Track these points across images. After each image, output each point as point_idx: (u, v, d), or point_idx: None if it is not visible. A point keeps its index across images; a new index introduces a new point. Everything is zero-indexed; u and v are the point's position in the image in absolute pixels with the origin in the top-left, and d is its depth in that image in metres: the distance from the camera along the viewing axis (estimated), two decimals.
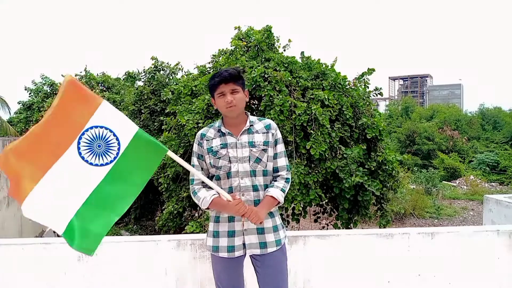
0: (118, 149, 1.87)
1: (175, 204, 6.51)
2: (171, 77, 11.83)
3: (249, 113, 2.21)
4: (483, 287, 3.10)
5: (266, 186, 2.12)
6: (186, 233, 5.44)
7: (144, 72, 12.05)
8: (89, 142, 1.83)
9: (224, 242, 2.08)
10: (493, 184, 22.93)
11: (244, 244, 2.08)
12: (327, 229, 7.26)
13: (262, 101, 6.21)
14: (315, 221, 7.26)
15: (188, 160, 2.15)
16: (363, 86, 7.11)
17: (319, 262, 3.03)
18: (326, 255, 3.04)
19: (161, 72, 11.88)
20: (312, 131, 5.86)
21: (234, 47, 7.73)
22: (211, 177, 2.16)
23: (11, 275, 2.93)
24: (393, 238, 3.08)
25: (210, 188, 2.09)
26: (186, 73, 10.20)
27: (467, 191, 18.88)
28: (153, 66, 11.81)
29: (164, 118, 8.74)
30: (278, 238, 2.12)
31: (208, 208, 2.09)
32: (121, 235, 10.72)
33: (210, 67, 7.98)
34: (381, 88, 7.39)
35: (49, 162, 1.78)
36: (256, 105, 6.81)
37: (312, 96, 6.24)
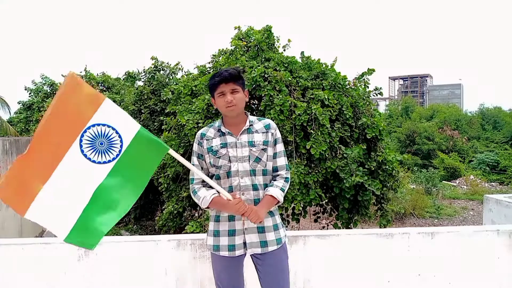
0: (121, 146, 1.87)
1: (175, 204, 6.51)
2: (171, 77, 11.83)
3: (248, 113, 2.22)
4: (483, 287, 3.10)
5: (265, 186, 2.13)
6: (186, 233, 5.45)
7: (144, 72, 12.05)
8: (91, 139, 1.83)
9: (224, 241, 2.08)
10: (493, 184, 22.92)
11: (244, 243, 2.08)
12: (327, 229, 7.25)
13: (262, 101, 6.21)
14: (315, 221, 7.26)
15: (188, 160, 2.15)
16: (363, 86, 7.11)
17: (319, 262, 3.03)
18: (326, 255, 3.04)
19: (161, 72, 11.89)
20: (312, 131, 5.86)
21: (234, 47, 7.73)
22: (211, 177, 2.16)
23: (11, 275, 2.93)
24: (393, 238, 3.09)
25: (210, 187, 2.10)
26: (186, 73, 10.20)
27: (467, 191, 18.87)
28: (153, 66, 11.81)
29: (164, 118, 8.74)
30: (279, 237, 2.12)
31: (208, 207, 2.10)
32: (121, 235, 10.72)
33: (210, 67, 7.98)
34: (381, 88, 7.39)
35: (53, 163, 1.78)
36: (256, 105, 6.81)
37: (312, 96, 6.24)
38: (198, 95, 6.95)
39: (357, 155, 5.89)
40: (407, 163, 22.57)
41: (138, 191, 1.94)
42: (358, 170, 5.85)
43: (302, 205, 5.77)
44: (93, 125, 1.83)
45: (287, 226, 6.12)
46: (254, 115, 2.31)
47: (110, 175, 1.86)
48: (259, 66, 6.45)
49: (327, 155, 5.87)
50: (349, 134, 6.35)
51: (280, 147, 2.18)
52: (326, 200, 6.81)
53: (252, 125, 2.14)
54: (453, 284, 3.08)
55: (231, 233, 2.08)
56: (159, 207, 11.84)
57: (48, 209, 1.78)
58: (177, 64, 12.31)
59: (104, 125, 1.84)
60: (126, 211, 1.90)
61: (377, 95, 7.48)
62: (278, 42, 7.72)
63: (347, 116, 6.21)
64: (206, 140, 2.14)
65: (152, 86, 11.16)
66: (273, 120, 3.61)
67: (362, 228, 8.11)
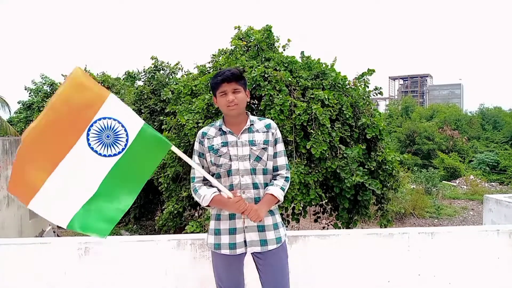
0: (127, 140, 1.89)
1: (175, 204, 6.51)
2: (171, 77, 11.83)
3: (249, 113, 2.23)
4: (483, 287, 3.10)
5: (266, 185, 2.14)
6: (186, 233, 5.45)
7: (144, 71, 12.05)
8: (98, 132, 1.84)
9: (225, 240, 2.09)
10: (493, 184, 22.94)
11: (245, 242, 2.09)
12: (327, 229, 7.26)
13: (262, 100, 6.21)
14: (315, 221, 7.26)
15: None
16: (363, 86, 7.11)
17: (319, 262, 3.03)
18: (326, 255, 3.04)
19: (161, 71, 11.89)
20: (312, 131, 5.86)
21: (234, 47, 7.73)
22: (211, 176, 2.16)
23: (11, 275, 2.93)
24: (393, 238, 3.09)
25: (211, 186, 2.12)
26: (186, 73, 10.20)
27: (467, 191, 18.89)
28: (153, 66, 11.82)
29: (164, 118, 8.75)
30: (279, 236, 2.13)
31: (208, 206, 2.11)
32: (121, 235, 10.72)
33: (210, 67, 7.98)
34: (381, 87, 7.39)
35: (59, 155, 1.79)
36: (256, 105, 6.81)
37: (312, 96, 6.24)
38: (198, 95, 6.95)
39: (356, 155, 5.89)
40: (407, 163, 22.58)
41: (139, 187, 1.96)
42: (359, 170, 5.85)
43: (302, 205, 5.78)
44: (100, 119, 1.84)
45: (287, 226, 6.12)
46: (254, 115, 2.32)
47: (114, 169, 1.87)
48: (259, 66, 6.45)
49: (327, 155, 5.87)
50: (349, 134, 6.35)
51: (281, 146, 2.19)
52: (326, 200, 6.82)
53: (252, 124, 2.16)
54: (453, 284, 3.08)
55: (232, 231, 2.09)
56: (159, 207, 11.84)
57: (52, 200, 1.79)
58: (177, 64, 12.31)
59: (110, 118, 1.86)
60: (128, 207, 1.92)
61: (377, 95, 7.48)
62: (278, 42, 7.72)
63: (347, 116, 6.21)
64: (207, 139, 2.15)
65: (152, 86, 11.17)
66: (273, 120, 3.62)
67: (362, 228, 8.11)
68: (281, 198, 2.10)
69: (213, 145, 2.12)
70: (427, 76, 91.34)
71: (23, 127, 16.31)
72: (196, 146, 2.20)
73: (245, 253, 2.14)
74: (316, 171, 5.96)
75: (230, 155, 2.09)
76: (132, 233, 11.61)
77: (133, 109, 10.05)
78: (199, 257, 2.94)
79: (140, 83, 12.90)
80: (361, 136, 6.51)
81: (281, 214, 6.01)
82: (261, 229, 2.09)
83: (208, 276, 2.89)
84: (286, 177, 2.17)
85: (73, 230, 1.87)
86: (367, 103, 6.95)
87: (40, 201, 1.77)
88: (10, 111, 15.61)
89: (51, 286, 2.90)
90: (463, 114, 40.54)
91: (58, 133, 1.78)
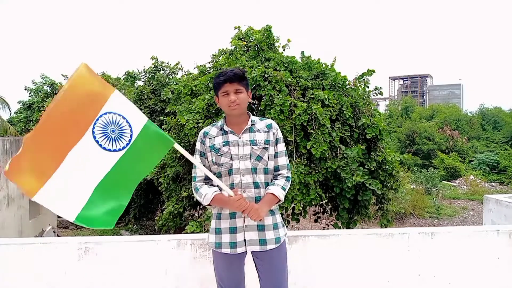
0: (131, 135, 1.91)
1: (175, 204, 6.51)
2: (171, 77, 11.84)
3: (251, 113, 2.25)
4: (483, 287, 3.10)
5: (267, 184, 2.15)
6: (186, 233, 5.45)
7: (144, 71, 12.06)
8: (103, 126, 1.86)
9: (226, 239, 2.11)
10: (493, 184, 22.94)
11: (245, 241, 2.11)
12: (328, 229, 7.26)
13: (262, 100, 6.21)
14: (315, 221, 7.26)
15: (189, 160, 2.16)
16: (363, 86, 7.11)
17: (319, 262, 3.03)
18: (326, 255, 3.04)
19: (161, 71, 11.89)
20: (312, 131, 5.86)
21: (234, 47, 7.73)
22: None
23: (11, 275, 2.93)
24: (393, 238, 3.09)
25: (212, 185, 2.14)
26: (186, 73, 10.21)
27: (467, 191, 18.89)
28: (153, 66, 11.82)
29: (164, 118, 8.75)
30: (278, 236, 2.14)
31: (209, 205, 2.12)
32: (121, 235, 10.72)
33: (210, 67, 7.98)
34: (381, 87, 7.40)
35: (66, 148, 1.81)
36: (256, 105, 6.81)
37: (312, 96, 6.25)
38: (198, 95, 6.95)
39: (356, 155, 5.90)
40: (407, 163, 22.57)
41: (137, 181, 1.99)
42: (359, 170, 5.85)
43: (302, 205, 5.78)
44: (105, 113, 1.86)
45: (287, 226, 6.13)
46: (254, 115, 2.34)
47: (118, 163, 1.89)
48: (259, 66, 6.46)
49: (327, 155, 5.88)
50: (349, 134, 6.35)
51: (282, 146, 2.21)
52: (326, 200, 6.82)
53: (254, 124, 2.18)
54: (453, 284, 3.08)
55: (232, 230, 2.10)
56: (159, 207, 11.84)
57: (57, 193, 1.81)
58: (177, 64, 12.31)
59: (115, 113, 1.88)
60: (128, 200, 1.95)
61: (377, 95, 7.49)
62: (278, 42, 7.72)
63: (347, 116, 6.22)
64: (209, 138, 2.17)
65: (152, 86, 11.17)
66: (273, 120, 3.64)
67: (362, 228, 8.11)
68: (282, 198, 2.11)
69: (214, 144, 2.14)
70: (427, 76, 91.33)
71: (23, 127, 16.30)
72: (198, 145, 2.21)
73: (246, 252, 2.15)
74: (316, 171, 5.96)
75: (231, 154, 2.10)
76: (132, 233, 11.61)
77: None
78: (199, 257, 2.94)
79: (140, 83, 12.90)
80: (361, 136, 6.51)
81: (281, 214, 6.01)
82: (261, 228, 2.10)
83: (208, 276, 2.89)
84: (287, 177, 2.18)
85: (79, 224, 1.90)
86: (367, 103, 6.96)
87: (46, 193, 1.79)
88: (10, 111, 15.62)
89: (51, 286, 2.90)
90: (463, 114, 40.54)
91: (65, 126, 1.80)
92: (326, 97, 6.11)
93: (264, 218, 2.08)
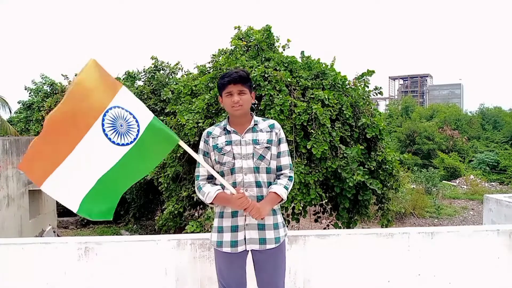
0: (138, 130, 1.94)
1: (175, 204, 6.51)
2: (171, 77, 11.85)
3: (254, 114, 2.28)
4: (483, 287, 3.10)
5: (269, 183, 2.17)
6: (186, 232, 5.45)
7: (144, 71, 12.07)
8: (112, 120, 1.89)
9: (227, 237, 2.12)
10: (493, 183, 22.94)
11: (245, 239, 2.12)
12: (328, 229, 7.26)
13: (262, 100, 6.21)
14: (316, 221, 7.26)
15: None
16: (362, 86, 7.11)
17: (319, 262, 3.03)
18: (326, 255, 3.04)
19: (161, 71, 11.90)
20: (312, 131, 5.86)
21: (234, 47, 7.73)
22: None
23: (11, 275, 2.93)
24: (393, 238, 3.09)
25: (215, 184, 2.16)
26: (186, 73, 10.21)
27: (467, 191, 18.90)
28: (153, 66, 11.83)
29: (164, 118, 8.75)
30: (278, 236, 2.15)
31: (212, 203, 2.14)
32: (121, 235, 10.72)
33: (210, 67, 7.98)
34: (381, 87, 7.40)
35: (75, 140, 1.84)
36: (256, 105, 6.81)
37: (312, 96, 6.25)
38: (198, 95, 6.95)
39: (356, 155, 5.90)
40: (407, 163, 22.58)
41: (139, 177, 2.04)
42: (359, 169, 5.85)
43: (302, 205, 5.78)
44: (114, 107, 1.89)
45: (287, 226, 6.14)
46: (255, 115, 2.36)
47: (124, 158, 1.93)
48: (259, 66, 6.46)
49: (327, 155, 5.88)
50: (349, 134, 6.35)
51: (284, 146, 2.23)
52: (326, 200, 6.82)
53: (256, 124, 2.21)
54: (453, 284, 3.08)
55: (234, 229, 2.12)
56: (159, 207, 11.84)
57: (63, 183, 1.85)
58: (177, 64, 12.32)
59: (122, 108, 1.92)
60: (122, 192, 2.00)
61: (377, 95, 7.49)
62: (278, 42, 7.72)
63: (347, 116, 6.22)
64: (212, 138, 2.20)
65: (152, 85, 11.18)
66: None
67: (362, 228, 8.12)
68: (285, 197, 2.13)
69: (217, 143, 2.17)
70: (427, 76, 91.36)
71: (23, 127, 16.30)
72: (201, 145, 2.24)
73: (247, 251, 2.16)
74: (316, 171, 5.96)
75: (233, 154, 2.13)
76: (132, 233, 11.61)
77: None
78: (199, 257, 2.94)
79: (140, 83, 12.90)
80: (361, 136, 6.51)
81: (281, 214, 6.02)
82: (261, 227, 2.12)
83: (208, 276, 2.90)
84: (290, 177, 2.21)
85: (81, 215, 1.94)
86: (367, 103, 6.96)
87: (52, 183, 1.83)
88: (10, 111, 15.62)
89: (51, 286, 2.91)
90: (463, 114, 40.54)
91: (75, 118, 1.83)
92: (326, 97, 6.11)
93: (265, 217, 2.09)
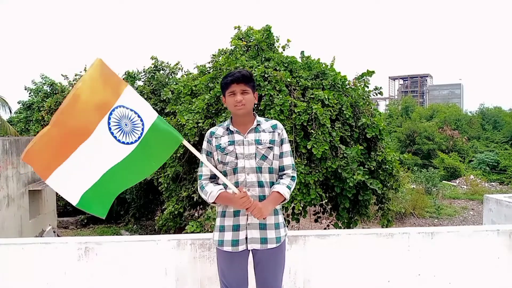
0: (142, 129, 1.97)
1: (175, 204, 6.51)
2: (171, 77, 11.85)
3: (257, 114, 2.29)
4: (483, 287, 3.10)
5: (272, 183, 2.18)
6: (186, 233, 5.45)
7: (144, 71, 12.06)
8: (118, 119, 1.92)
9: (229, 236, 2.13)
10: (493, 183, 22.94)
11: (246, 239, 2.13)
12: (328, 229, 7.26)
13: (262, 100, 6.21)
14: (316, 221, 7.26)
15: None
16: (362, 86, 7.11)
17: (319, 262, 3.03)
18: (326, 255, 3.04)
19: (161, 71, 11.90)
20: (312, 131, 5.86)
21: (234, 47, 7.74)
22: None
23: (11, 275, 2.93)
24: (393, 238, 3.09)
25: (218, 183, 2.18)
26: (186, 73, 10.21)
27: (467, 191, 18.89)
28: (153, 66, 11.83)
29: (164, 118, 8.74)
30: (278, 236, 2.17)
31: (214, 203, 2.15)
32: (121, 235, 10.72)
33: (210, 67, 7.98)
34: (381, 87, 7.40)
35: (81, 137, 1.87)
36: (256, 105, 6.81)
37: (312, 96, 6.25)
38: (198, 95, 6.95)
39: (356, 155, 5.90)
40: (407, 163, 22.59)
41: (143, 176, 2.08)
42: (359, 169, 5.86)
43: (302, 205, 5.78)
44: (119, 106, 1.93)
45: (287, 226, 6.14)
46: None
47: (128, 157, 1.95)
48: (259, 66, 6.46)
49: (327, 155, 5.88)
50: (349, 134, 6.35)
51: (287, 147, 2.24)
52: (326, 200, 6.82)
53: (259, 124, 2.22)
54: (453, 284, 3.08)
55: (235, 228, 2.13)
56: (159, 207, 11.84)
57: (68, 177, 1.88)
58: (177, 64, 12.32)
59: (127, 108, 1.94)
60: (119, 192, 2.02)
61: (377, 95, 7.49)
62: (278, 42, 7.72)
63: (347, 116, 6.22)
64: (215, 138, 2.22)
65: (152, 86, 11.18)
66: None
67: (362, 228, 8.12)
68: (287, 197, 2.14)
69: (220, 143, 2.18)
70: (427, 76, 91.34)
71: (23, 127, 16.30)
72: (205, 145, 2.26)
73: (249, 251, 2.17)
74: (316, 171, 5.96)
75: (236, 153, 2.14)
76: (132, 233, 11.60)
77: None
78: (199, 257, 2.94)
79: (140, 83, 12.90)
80: (361, 136, 6.51)
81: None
82: (263, 227, 2.13)
83: (208, 276, 2.90)
84: (292, 177, 2.22)
85: (80, 208, 1.97)
86: (367, 103, 6.96)
87: (58, 177, 1.86)
88: (10, 111, 15.61)
89: (51, 286, 2.91)
90: (463, 114, 40.52)
91: (81, 116, 1.87)
92: (326, 97, 6.11)
93: (267, 217, 2.11)
